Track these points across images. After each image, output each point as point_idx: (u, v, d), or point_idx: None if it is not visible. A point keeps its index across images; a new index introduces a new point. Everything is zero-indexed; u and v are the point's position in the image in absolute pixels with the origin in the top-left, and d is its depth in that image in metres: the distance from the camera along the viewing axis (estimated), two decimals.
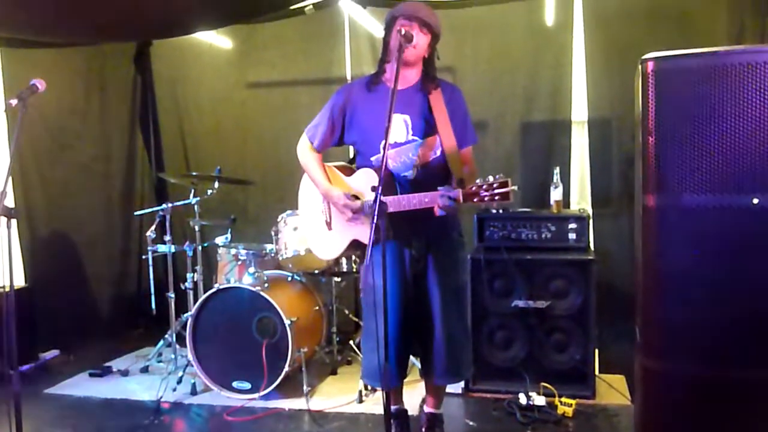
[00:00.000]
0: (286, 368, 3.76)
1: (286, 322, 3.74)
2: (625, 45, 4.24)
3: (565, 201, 4.26)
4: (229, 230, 4.43)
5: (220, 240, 4.38)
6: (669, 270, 2.45)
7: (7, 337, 2.57)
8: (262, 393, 3.79)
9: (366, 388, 3.86)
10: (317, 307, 4.26)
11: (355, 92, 2.92)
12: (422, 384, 3.41)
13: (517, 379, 3.72)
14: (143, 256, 4.48)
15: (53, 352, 4.79)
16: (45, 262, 4.91)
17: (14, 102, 2.69)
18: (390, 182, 2.77)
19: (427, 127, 2.81)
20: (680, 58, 2.38)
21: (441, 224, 2.83)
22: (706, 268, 2.39)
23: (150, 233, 4.30)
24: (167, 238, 4.28)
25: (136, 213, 5.02)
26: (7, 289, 2.57)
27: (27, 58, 4.77)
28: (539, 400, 3.53)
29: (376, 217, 2.28)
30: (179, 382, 4.06)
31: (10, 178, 2.67)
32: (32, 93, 2.76)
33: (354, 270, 4.30)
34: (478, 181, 2.47)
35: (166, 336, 4.51)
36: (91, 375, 4.42)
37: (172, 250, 4.28)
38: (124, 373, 4.42)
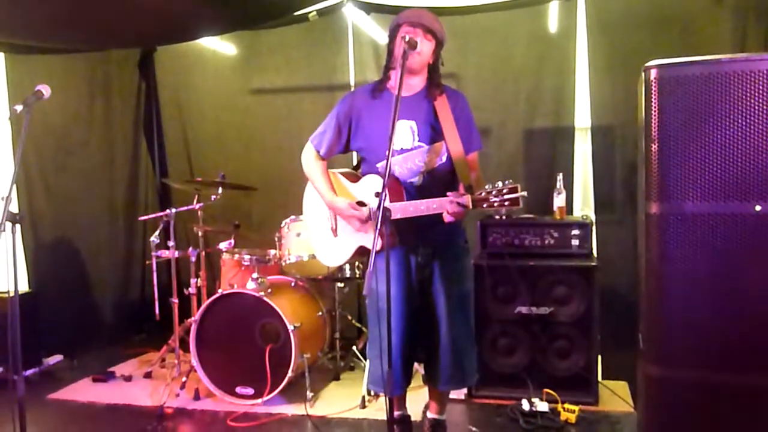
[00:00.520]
0: (289, 374, 3.76)
1: (290, 327, 3.74)
2: (628, 52, 4.24)
3: (568, 207, 4.25)
4: (233, 236, 4.43)
5: (223, 245, 4.38)
6: (672, 277, 2.45)
7: (12, 342, 2.57)
8: (265, 398, 3.79)
9: (369, 394, 3.86)
10: (320, 313, 4.26)
11: (361, 99, 2.93)
12: (425, 390, 3.40)
13: (520, 385, 3.72)
14: (147, 262, 4.49)
15: (57, 358, 4.79)
16: (49, 267, 4.92)
17: (19, 108, 2.70)
18: (397, 188, 2.77)
19: (433, 134, 2.82)
20: (683, 66, 2.39)
21: (447, 231, 2.83)
22: (709, 275, 2.40)
23: (154, 239, 4.31)
24: (171, 243, 4.28)
25: (139, 218, 5.03)
26: (12, 294, 2.58)
27: (31, 64, 4.78)
28: (542, 407, 3.53)
29: (380, 223, 2.28)
30: (182, 387, 4.06)
31: (15, 184, 2.67)
32: (37, 99, 2.77)
33: (357, 276, 4.30)
34: (487, 186, 2.47)
35: (170, 341, 4.52)
36: (94, 380, 4.42)
37: (176, 255, 4.29)
38: (128, 379, 4.42)
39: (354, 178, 3.03)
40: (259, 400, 3.81)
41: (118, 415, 3.87)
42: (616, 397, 3.79)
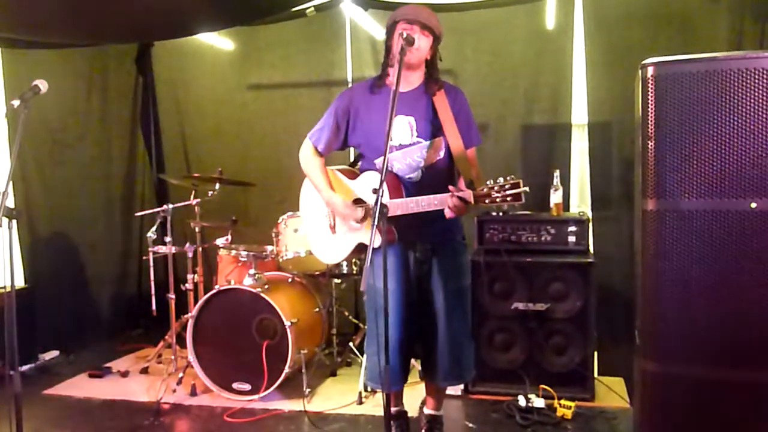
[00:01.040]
0: (286, 370, 3.76)
1: (286, 323, 3.75)
2: (625, 49, 4.25)
3: (565, 204, 4.27)
4: (230, 232, 4.43)
5: (220, 241, 4.38)
6: (668, 273, 2.46)
7: (8, 337, 2.57)
8: (262, 394, 3.80)
9: (366, 390, 3.86)
10: (317, 309, 4.26)
11: (359, 95, 2.93)
12: (422, 385, 3.42)
13: (516, 381, 3.73)
14: (144, 257, 4.49)
15: (53, 353, 4.79)
16: (45, 262, 4.91)
17: (16, 103, 2.69)
18: (396, 184, 2.77)
19: (432, 129, 2.82)
20: (680, 64, 2.39)
21: (445, 227, 2.84)
22: (705, 272, 2.40)
23: (150, 234, 4.30)
24: (168, 239, 4.28)
25: (136, 214, 5.03)
26: (8, 289, 2.57)
27: (28, 59, 4.77)
28: (538, 403, 3.54)
29: (377, 219, 2.28)
30: (179, 383, 4.06)
31: (11, 179, 2.66)
32: (34, 94, 2.76)
33: (354, 272, 4.30)
34: (489, 182, 2.47)
35: (166, 337, 4.52)
36: (90, 376, 4.42)
37: (173, 251, 4.29)
38: (124, 374, 4.42)
39: (352, 174, 3.03)
40: (256, 396, 3.82)
41: (114, 410, 3.87)
42: (612, 393, 3.80)
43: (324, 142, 2.97)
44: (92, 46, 5.21)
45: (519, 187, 2.42)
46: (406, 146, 2.83)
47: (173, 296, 4.34)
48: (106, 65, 5.46)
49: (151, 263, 4.32)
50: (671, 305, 2.47)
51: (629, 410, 3.51)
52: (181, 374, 4.10)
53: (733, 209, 2.36)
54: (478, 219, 3.88)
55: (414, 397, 3.65)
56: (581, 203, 4.57)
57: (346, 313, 4.72)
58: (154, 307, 4.39)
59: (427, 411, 3.26)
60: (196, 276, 4.37)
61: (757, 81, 2.29)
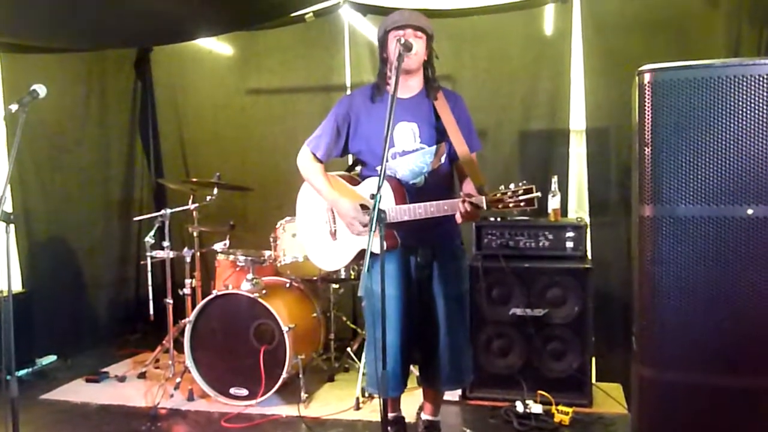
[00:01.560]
0: (284, 375, 3.76)
1: (284, 328, 3.74)
2: (622, 55, 4.25)
3: (563, 209, 4.27)
4: (228, 236, 4.43)
5: (218, 246, 4.38)
6: (665, 279, 2.46)
7: (5, 342, 2.57)
8: (260, 399, 3.79)
9: (363, 395, 3.86)
10: (315, 314, 4.26)
11: (359, 102, 2.93)
12: (419, 391, 3.41)
13: (514, 386, 3.72)
14: (141, 262, 4.48)
15: (50, 358, 4.78)
16: (43, 267, 4.90)
17: (14, 108, 2.70)
18: (400, 190, 2.77)
19: (435, 135, 2.83)
20: (677, 70, 2.40)
21: (446, 232, 2.85)
22: (702, 278, 2.41)
23: (148, 239, 4.30)
24: (166, 243, 4.28)
25: (134, 218, 5.03)
26: (5, 294, 2.57)
27: (27, 63, 4.77)
28: (536, 408, 3.54)
29: (374, 225, 2.28)
30: (176, 388, 4.05)
31: (9, 184, 2.66)
32: (33, 99, 2.76)
33: (352, 277, 4.30)
34: (501, 187, 2.47)
35: (164, 342, 4.51)
36: (87, 381, 4.41)
37: (171, 255, 4.28)
38: (121, 379, 4.41)
39: (352, 181, 3.03)
40: (254, 401, 3.81)
41: (111, 415, 3.86)
42: (610, 399, 3.80)
43: (323, 149, 2.95)
44: (91, 50, 5.22)
45: (532, 193, 2.42)
46: (410, 152, 2.83)
47: (171, 301, 4.34)
48: (105, 70, 5.47)
49: (149, 268, 4.31)
50: (668, 311, 2.47)
51: (627, 416, 3.50)
52: (178, 379, 4.09)
53: (730, 215, 2.37)
54: (476, 224, 3.88)
55: (411, 402, 3.64)
56: (579, 209, 4.57)
57: (344, 319, 4.72)
58: (151, 311, 4.38)
59: (424, 416, 3.25)
60: (193, 281, 4.37)
61: (754, 88, 2.30)
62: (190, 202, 4.36)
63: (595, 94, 4.43)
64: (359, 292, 3.02)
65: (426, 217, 2.63)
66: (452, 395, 3.79)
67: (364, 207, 2.88)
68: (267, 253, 4.21)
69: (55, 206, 5.05)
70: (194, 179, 4.50)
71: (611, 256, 4.39)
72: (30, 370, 4.54)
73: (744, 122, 2.32)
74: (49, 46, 4.84)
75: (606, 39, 4.37)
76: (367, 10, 4.85)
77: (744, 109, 2.32)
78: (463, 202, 2.52)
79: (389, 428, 3.12)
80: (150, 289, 4.33)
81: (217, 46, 5.41)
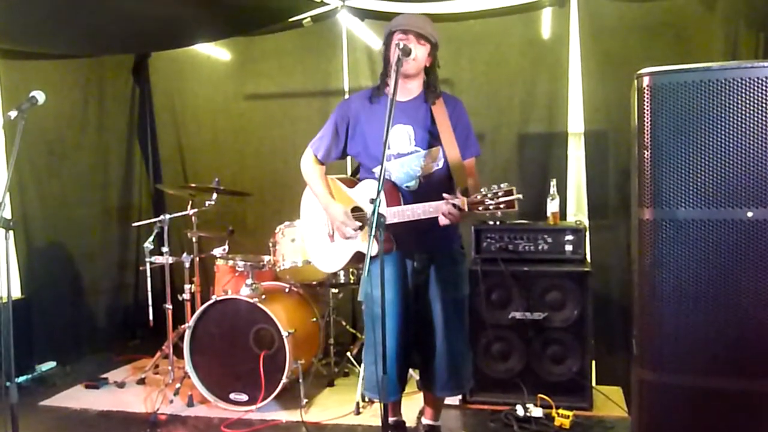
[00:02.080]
0: (284, 380, 3.75)
1: (284, 333, 3.74)
2: (620, 58, 4.27)
3: (562, 213, 4.27)
4: (227, 242, 4.43)
5: (217, 251, 4.37)
6: (665, 283, 2.46)
7: (4, 348, 2.56)
8: (260, 405, 3.79)
9: (363, 400, 3.85)
10: (315, 319, 4.26)
11: (358, 105, 2.95)
12: (420, 395, 3.41)
13: (514, 390, 3.72)
14: (141, 268, 4.48)
15: (49, 364, 4.77)
16: (42, 273, 4.89)
17: (13, 114, 2.70)
18: (393, 193, 2.78)
19: (430, 138, 2.83)
20: (676, 73, 2.40)
21: (444, 236, 2.85)
22: (702, 281, 2.41)
23: (147, 244, 4.30)
24: (165, 249, 4.28)
25: (133, 224, 5.01)
26: (5, 300, 2.57)
27: (26, 69, 4.78)
28: (536, 412, 3.53)
29: (374, 228, 2.28)
30: (176, 393, 4.04)
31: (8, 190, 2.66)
32: (31, 105, 2.77)
33: (351, 281, 4.30)
34: (482, 189, 2.48)
35: (163, 347, 4.50)
36: (87, 387, 4.40)
37: (170, 261, 4.28)
38: (121, 385, 4.40)
39: (352, 183, 3.04)
40: (253, 407, 3.81)
41: (111, 421, 3.85)
42: (610, 402, 3.79)
43: (323, 151, 2.99)
44: (89, 56, 5.22)
45: (512, 194, 2.43)
46: (404, 155, 2.84)
47: (170, 306, 4.33)
48: (103, 76, 5.47)
49: (148, 273, 4.31)
50: (668, 314, 2.47)
51: (627, 419, 3.50)
52: (178, 385, 4.08)
53: (730, 218, 2.36)
54: (475, 228, 3.88)
55: (412, 407, 3.64)
56: (578, 212, 4.57)
57: (344, 323, 4.71)
58: (150, 317, 4.37)
59: (425, 421, 3.25)
60: (193, 286, 4.37)
61: (752, 91, 2.30)
62: (189, 207, 4.35)
63: (593, 97, 4.44)
64: (359, 296, 3.02)
65: (414, 219, 2.63)
66: (452, 399, 3.79)
67: (356, 210, 2.90)
68: (266, 258, 4.21)
69: (53, 212, 5.04)
70: (193, 184, 4.50)
71: (610, 259, 4.40)
72: (29, 376, 4.53)
73: (743, 125, 2.32)
74: (47, 53, 4.84)
75: (603, 42, 4.38)
76: (364, 15, 4.86)
77: (743, 112, 2.32)
78: (446, 203, 2.53)
79: None
80: (149, 294, 4.33)
81: (215, 52, 5.41)
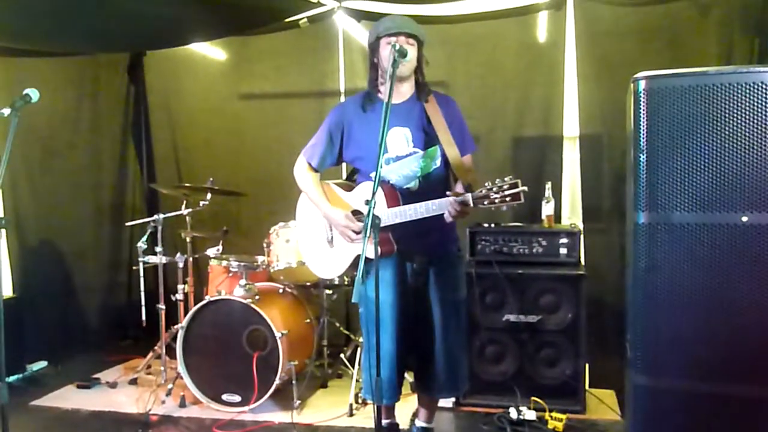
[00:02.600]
0: (277, 381, 3.74)
1: (277, 334, 3.73)
2: (615, 62, 4.28)
3: (557, 216, 4.27)
4: (221, 242, 4.41)
5: (211, 251, 4.36)
6: (659, 286, 2.47)
7: None
8: (252, 406, 3.77)
9: (357, 402, 3.84)
10: (308, 320, 4.25)
11: (352, 110, 2.93)
12: (413, 397, 3.40)
13: (507, 393, 3.72)
14: (133, 267, 4.46)
15: (40, 363, 4.74)
16: (33, 272, 4.87)
17: (6, 111, 2.68)
18: (393, 195, 2.77)
19: (427, 139, 2.83)
20: (672, 78, 2.41)
21: (442, 238, 2.84)
22: (696, 285, 2.41)
23: (141, 244, 4.28)
24: (158, 249, 4.26)
25: (127, 224, 5.00)
26: None
27: (20, 67, 4.75)
28: (530, 415, 3.53)
29: (369, 230, 2.28)
30: (168, 394, 4.03)
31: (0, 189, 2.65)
32: (25, 103, 2.74)
33: (345, 283, 4.29)
34: (487, 183, 2.47)
35: (156, 348, 4.48)
36: (78, 387, 4.38)
37: (163, 261, 4.26)
38: (113, 385, 4.38)
39: (348, 188, 3.03)
40: (246, 408, 3.79)
41: (102, 422, 3.83)
42: (603, 405, 3.80)
43: (318, 158, 2.97)
44: (84, 54, 5.20)
45: (517, 187, 2.42)
46: (403, 157, 2.84)
47: (163, 306, 4.32)
48: (98, 74, 5.46)
49: (141, 273, 4.29)
50: (662, 318, 2.47)
51: (620, 423, 3.51)
52: (170, 385, 4.07)
53: (725, 222, 2.37)
54: (470, 230, 3.88)
55: (405, 409, 3.63)
56: (572, 215, 4.58)
57: (338, 325, 4.71)
58: (143, 317, 4.36)
59: (418, 423, 3.24)
60: (186, 286, 4.35)
61: (748, 95, 2.31)
62: (183, 207, 4.34)
63: (588, 101, 4.44)
64: (353, 298, 3.00)
65: (417, 218, 2.63)
66: (446, 402, 3.79)
67: (355, 213, 2.89)
68: (260, 258, 4.20)
69: (46, 211, 5.02)
70: (187, 184, 4.48)
71: (604, 263, 4.40)
72: (20, 376, 4.50)
73: (739, 129, 2.33)
74: (42, 50, 4.81)
75: (599, 46, 4.39)
76: (361, 16, 4.86)
77: (738, 117, 2.33)
78: (451, 200, 2.52)
79: None
80: (142, 294, 4.31)
81: (210, 51, 5.40)
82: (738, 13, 4.12)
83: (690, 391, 2.47)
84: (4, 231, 2.60)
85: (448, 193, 2.54)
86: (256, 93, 5.35)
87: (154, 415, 3.85)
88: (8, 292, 4.62)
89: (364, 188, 2.89)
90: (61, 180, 5.14)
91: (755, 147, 2.32)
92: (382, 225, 2.52)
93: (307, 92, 5.13)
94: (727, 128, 2.34)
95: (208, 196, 4.30)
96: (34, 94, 2.77)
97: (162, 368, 4.29)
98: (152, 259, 4.27)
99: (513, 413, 3.55)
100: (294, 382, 3.87)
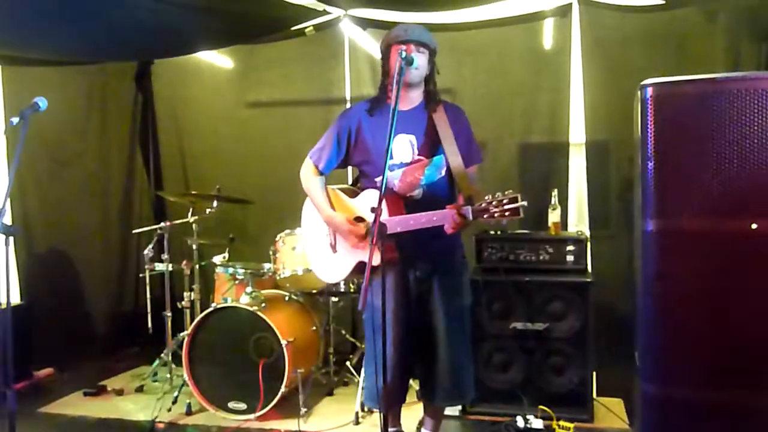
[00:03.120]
0: (283, 389, 3.74)
1: (283, 342, 3.72)
2: (622, 69, 4.27)
3: (563, 223, 4.26)
4: (227, 249, 4.42)
5: (218, 259, 4.37)
6: (668, 294, 2.45)
7: (3, 354, 2.55)
8: (258, 414, 3.77)
9: (363, 410, 3.83)
10: (314, 328, 4.24)
11: (360, 115, 2.94)
12: (420, 406, 3.39)
13: (514, 401, 3.70)
14: (140, 275, 4.47)
15: (48, 371, 4.74)
16: (41, 279, 4.88)
17: (15, 120, 2.70)
18: (397, 202, 2.77)
19: (432, 147, 2.83)
20: (679, 84, 2.41)
21: (446, 246, 2.83)
22: (706, 293, 2.40)
23: (148, 251, 4.29)
24: (165, 256, 4.27)
25: (134, 231, 5.01)
26: (4, 306, 2.55)
27: (28, 76, 4.77)
28: (537, 423, 3.51)
29: (375, 238, 2.27)
30: (174, 402, 4.02)
31: (9, 196, 2.66)
32: (33, 111, 2.76)
33: (352, 290, 4.28)
34: (487, 197, 2.47)
35: (162, 355, 4.49)
36: (85, 394, 4.38)
37: (170, 268, 4.27)
38: (119, 393, 4.38)
39: (353, 193, 3.03)
40: (252, 416, 3.79)
41: (109, 429, 3.83)
42: (611, 414, 3.77)
43: (324, 161, 2.98)
44: (92, 63, 5.23)
45: (517, 202, 2.41)
46: (407, 164, 2.84)
47: (170, 314, 4.33)
48: (106, 83, 5.48)
49: (148, 280, 4.30)
50: (672, 327, 2.46)
51: None
52: (176, 393, 4.06)
53: (734, 230, 2.36)
54: (477, 237, 3.87)
55: (412, 417, 3.62)
56: (579, 222, 4.56)
57: (344, 332, 4.69)
58: (150, 324, 4.37)
59: (424, 431, 3.23)
60: (192, 294, 4.35)
61: (756, 102, 2.30)
62: (190, 214, 4.35)
63: (595, 108, 4.43)
64: (359, 305, 3.00)
65: (418, 228, 2.62)
66: (452, 410, 3.77)
67: (359, 220, 2.89)
68: (266, 266, 4.20)
69: (54, 219, 5.04)
70: (194, 192, 4.50)
71: (612, 270, 4.38)
72: (28, 382, 4.50)
73: (747, 136, 2.32)
74: (50, 59, 4.84)
75: (605, 52, 4.39)
76: (367, 24, 4.87)
77: (747, 123, 2.32)
78: (450, 212, 2.52)
79: None
80: (149, 301, 4.32)
81: (217, 60, 5.42)
82: (745, 19, 4.11)
83: (699, 400, 2.45)
84: (12, 238, 2.61)
85: (447, 206, 2.54)
86: (263, 101, 5.36)
87: (160, 423, 3.84)
88: (16, 299, 4.63)
89: (368, 195, 2.89)
90: (69, 188, 5.16)
91: (764, 154, 2.31)
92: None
93: (314, 100, 5.15)
94: (735, 135, 2.33)
95: (215, 203, 4.31)
96: (42, 102, 2.79)
97: (168, 375, 4.28)
98: (159, 266, 4.28)
99: (520, 422, 3.52)
100: (300, 389, 3.86)
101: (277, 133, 5.28)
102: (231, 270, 4.23)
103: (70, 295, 5.18)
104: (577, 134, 4.54)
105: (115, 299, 5.57)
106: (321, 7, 4.66)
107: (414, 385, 3.76)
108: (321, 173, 3.01)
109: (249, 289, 4.02)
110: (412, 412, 3.68)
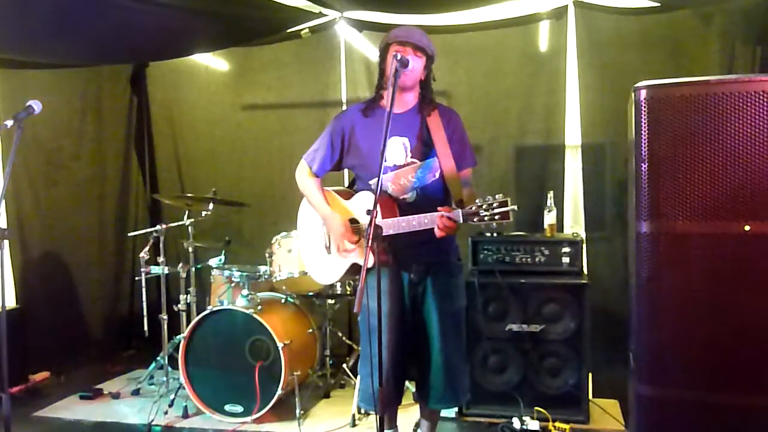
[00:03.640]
0: (279, 391, 3.73)
1: (279, 345, 3.72)
2: (617, 71, 4.29)
3: (559, 225, 4.26)
4: (223, 252, 4.41)
5: (213, 262, 4.36)
6: (662, 296, 2.46)
7: None
8: (255, 416, 3.77)
9: (359, 412, 3.83)
10: (311, 330, 4.24)
11: (354, 117, 2.94)
12: (416, 407, 3.39)
13: (510, 403, 3.71)
14: (136, 278, 4.47)
15: (43, 374, 4.73)
16: (37, 282, 4.87)
17: (10, 123, 2.70)
18: (390, 205, 2.77)
19: (426, 150, 2.83)
20: (673, 87, 2.42)
21: (440, 248, 2.83)
22: (699, 294, 2.41)
23: (143, 254, 4.28)
24: (161, 259, 4.26)
25: (129, 234, 5.00)
26: None
27: (23, 78, 4.77)
28: (533, 425, 3.52)
29: (370, 240, 2.28)
30: (171, 405, 4.01)
31: (3, 199, 2.65)
32: (28, 114, 2.76)
33: (348, 292, 4.29)
34: (477, 201, 2.47)
35: (158, 358, 4.48)
36: (81, 397, 4.37)
37: (166, 271, 4.26)
38: (115, 396, 4.38)
39: (348, 195, 3.03)
40: (249, 418, 3.78)
41: None
42: (606, 415, 3.78)
43: (318, 164, 2.98)
44: (87, 66, 5.22)
45: (507, 206, 2.42)
46: (401, 167, 2.84)
47: (165, 317, 4.31)
48: (101, 85, 5.47)
49: (144, 283, 4.29)
50: (666, 328, 2.47)
51: None
52: (172, 396, 4.06)
53: (727, 231, 2.37)
54: (472, 239, 3.88)
55: (408, 419, 3.62)
56: (575, 224, 4.57)
57: (340, 334, 4.69)
58: (146, 327, 4.35)
59: None
60: (188, 296, 4.35)
61: (749, 104, 2.32)
62: (186, 217, 4.35)
63: (591, 110, 4.45)
64: (355, 308, 3.00)
65: (410, 230, 2.63)
66: (449, 412, 3.77)
67: (352, 222, 2.89)
68: (263, 268, 4.19)
69: (49, 221, 5.03)
70: (190, 194, 4.49)
71: (607, 272, 4.39)
72: (23, 387, 4.49)
73: (740, 138, 2.34)
74: (44, 62, 4.83)
75: (601, 55, 4.40)
76: (363, 26, 4.88)
77: (740, 126, 2.33)
78: (441, 216, 2.53)
79: None
80: (144, 304, 4.31)
81: (213, 62, 5.42)
82: (740, 22, 4.12)
83: (694, 401, 2.46)
84: (7, 242, 2.60)
85: (438, 208, 2.54)
86: (259, 103, 5.36)
87: (156, 426, 3.84)
88: (11, 302, 4.62)
89: (362, 197, 2.90)
90: (64, 191, 5.15)
91: (757, 156, 2.33)
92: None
93: (309, 102, 5.15)
94: (729, 137, 2.35)
95: (211, 206, 4.31)
96: (36, 105, 2.78)
97: (164, 378, 4.28)
98: (155, 269, 4.27)
99: (516, 423, 3.53)
100: (297, 392, 3.86)
101: (272, 136, 5.28)
102: (227, 273, 4.23)
103: (66, 298, 5.17)
104: (572, 136, 4.56)
105: (110, 302, 5.56)
106: (317, 9, 4.66)
107: (410, 386, 3.76)
108: (315, 175, 3.01)
109: (245, 292, 4.01)
110: (409, 414, 3.68)
